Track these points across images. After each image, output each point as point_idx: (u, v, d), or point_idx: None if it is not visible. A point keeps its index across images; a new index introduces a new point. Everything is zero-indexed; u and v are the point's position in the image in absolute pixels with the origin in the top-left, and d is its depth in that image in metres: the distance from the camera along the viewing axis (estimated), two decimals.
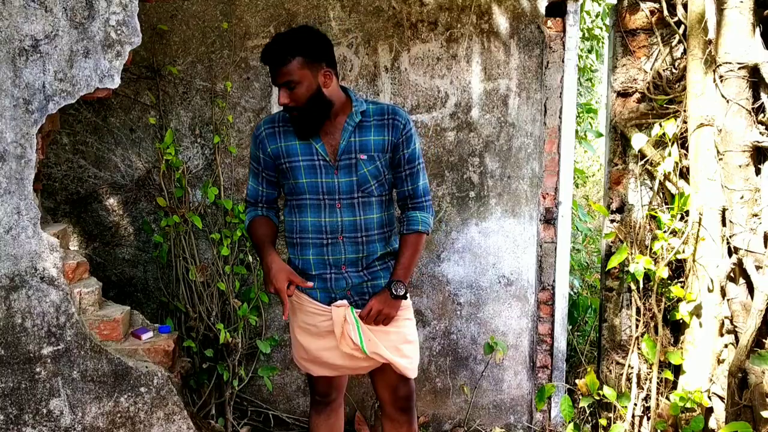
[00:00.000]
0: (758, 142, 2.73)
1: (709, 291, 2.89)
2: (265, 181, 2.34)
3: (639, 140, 3.03)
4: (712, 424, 2.93)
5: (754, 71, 2.72)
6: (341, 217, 2.23)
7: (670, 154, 3.00)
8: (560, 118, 3.26)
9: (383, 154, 2.24)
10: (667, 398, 3.03)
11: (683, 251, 2.97)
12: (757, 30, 2.73)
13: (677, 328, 3.10)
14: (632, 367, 3.14)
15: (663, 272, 2.95)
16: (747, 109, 2.74)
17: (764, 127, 2.76)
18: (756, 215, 2.76)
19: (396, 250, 2.34)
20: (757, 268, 2.71)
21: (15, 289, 2.28)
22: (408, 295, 2.31)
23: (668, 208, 3.06)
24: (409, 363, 2.32)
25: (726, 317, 2.85)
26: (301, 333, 2.35)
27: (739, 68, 2.72)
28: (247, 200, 2.41)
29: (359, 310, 2.26)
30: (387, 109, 2.27)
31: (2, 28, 2.19)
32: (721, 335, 2.89)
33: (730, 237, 2.80)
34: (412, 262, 2.30)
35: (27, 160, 2.24)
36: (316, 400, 2.48)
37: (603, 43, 5.78)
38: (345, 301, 2.27)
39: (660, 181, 3.08)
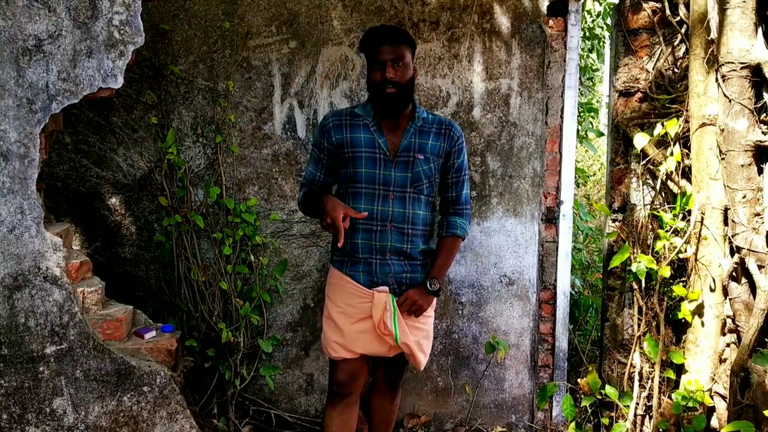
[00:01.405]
0: (760, 141, 2.72)
1: (711, 290, 2.90)
2: (324, 168, 2.53)
3: (641, 140, 3.03)
4: (714, 423, 2.93)
5: (756, 71, 2.72)
6: (392, 207, 2.43)
7: (672, 154, 3.00)
8: (562, 117, 3.26)
9: (437, 158, 2.48)
10: (669, 397, 3.03)
11: (685, 250, 2.97)
12: (760, 29, 2.73)
13: (679, 328, 3.10)
14: (634, 366, 3.14)
15: (665, 271, 2.95)
16: (749, 109, 2.74)
17: (766, 126, 2.76)
18: (758, 215, 2.76)
19: (434, 250, 2.55)
20: (760, 267, 2.71)
21: (18, 288, 2.28)
22: (440, 293, 2.52)
23: (670, 207, 3.06)
24: (424, 358, 2.55)
25: (728, 316, 2.85)
26: (338, 315, 2.49)
27: (742, 68, 2.72)
28: (303, 183, 2.58)
29: (398, 299, 2.44)
30: (445, 120, 2.53)
31: (6, 27, 2.19)
32: (723, 334, 2.89)
33: (732, 236, 2.80)
34: (447, 262, 2.54)
35: (30, 160, 2.24)
36: (333, 390, 2.54)
37: (604, 42, 5.78)
38: (386, 288, 2.44)
39: (662, 180, 3.08)
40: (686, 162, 3.02)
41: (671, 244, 2.98)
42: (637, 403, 3.11)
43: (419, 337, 2.50)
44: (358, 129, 2.45)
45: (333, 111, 2.54)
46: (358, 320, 2.46)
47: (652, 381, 3.07)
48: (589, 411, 3.30)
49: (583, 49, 5.73)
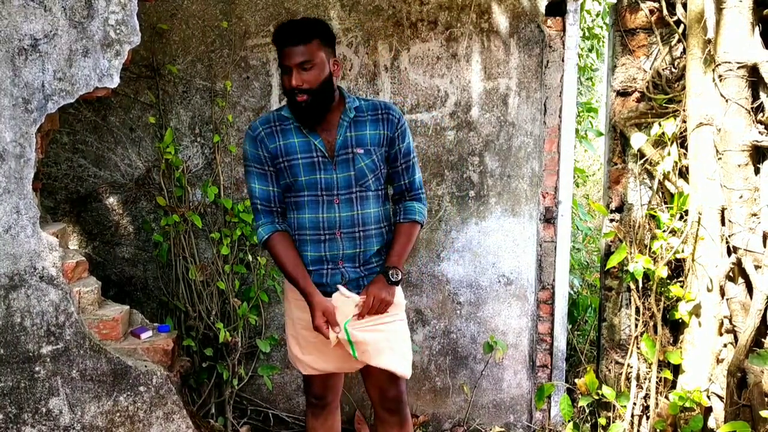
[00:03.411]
0: (757, 141, 2.72)
1: (708, 290, 2.89)
2: (274, 179, 2.26)
3: (638, 139, 3.03)
4: (711, 423, 2.93)
5: (753, 70, 2.72)
6: (339, 213, 2.22)
7: (669, 154, 2.99)
8: (560, 117, 3.26)
9: (379, 147, 2.26)
10: (666, 398, 3.03)
11: (682, 251, 2.97)
12: (757, 29, 2.73)
13: (676, 328, 3.10)
14: (631, 367, 3.14)
15: (662, 272, 2.95)
16: (746, 109, 2.74)
17: (763, 126, 2.76)
18: (755, 215, 2.76)
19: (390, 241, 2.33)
20: (756, 267, 2.71)
21: (14, 288, 2.28)
22: (400, 288, 2.30)
23: (667, 207, 3.06)
24: (400, 363, 2.27)
25: (725, 317, 2.85)
26: (299, 332, 2.33)
27: (739, 67, 2.72)
28: (259, 205, 2.27)
29: (354, 327, 2.20)
30: (380, 104, 2.30)
31: (1, 27, 2.19)
32: (720, 335, 2.89)
33: (729, 236, 2.80)
34: (406, 249, 2.30)
35: (26, 160, 2.25)
36: (312, 402, 2.45)
37: (603, 42, 5.77)
38: (341, 287, 2.23)
39: (659, 180, 3.08)
40: (683, 162, 3.02)
41: (668, 244, 2.98)
42: (635, 404, 3.11)
43: (393, 342, 2.24)
44: (290, 133, 2.21)
45: (260, 119, 2.28)
46: (317, 337, 2.25)
47: (649, 381, 3.07)
48: (587, 411, 3.30)
49: (582, 49, 5.72)
